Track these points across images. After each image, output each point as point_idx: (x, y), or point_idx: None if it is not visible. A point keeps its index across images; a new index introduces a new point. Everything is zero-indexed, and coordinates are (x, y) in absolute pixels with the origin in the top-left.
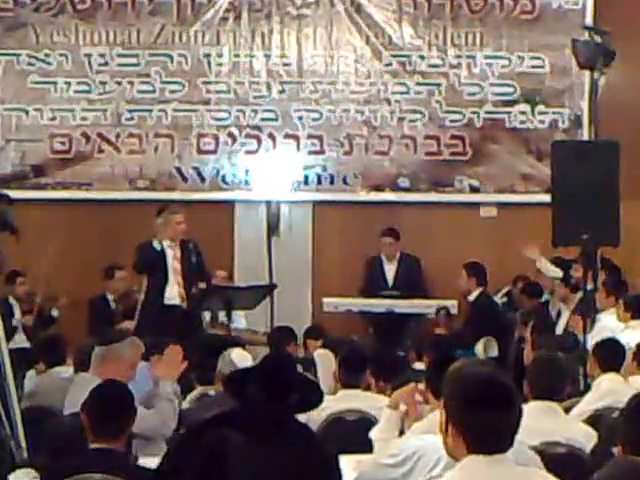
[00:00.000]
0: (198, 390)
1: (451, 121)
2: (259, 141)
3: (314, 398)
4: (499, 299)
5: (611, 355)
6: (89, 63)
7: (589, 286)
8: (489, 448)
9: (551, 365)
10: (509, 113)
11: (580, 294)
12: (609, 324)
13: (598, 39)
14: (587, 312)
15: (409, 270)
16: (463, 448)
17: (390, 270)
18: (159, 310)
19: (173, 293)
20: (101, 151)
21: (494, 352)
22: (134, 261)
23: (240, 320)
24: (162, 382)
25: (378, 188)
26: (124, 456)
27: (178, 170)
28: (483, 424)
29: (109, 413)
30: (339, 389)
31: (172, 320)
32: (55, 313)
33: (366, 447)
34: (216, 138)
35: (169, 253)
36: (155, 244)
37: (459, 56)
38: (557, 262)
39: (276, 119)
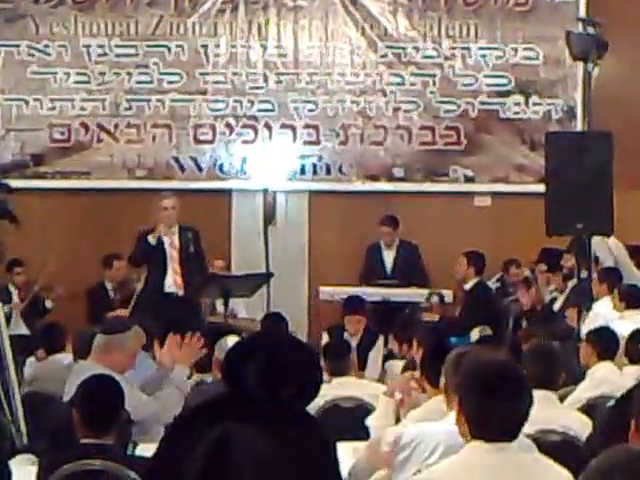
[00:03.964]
0: (195, 377)
1: (446, 112)
2: (256, 131)
3: (313, 384)
4: (492, 284)
5: (605, 344)
6: (88, 54)
7: (583, 274)
8: (494, 436)
9: (546, 354)
10: (503, 104)
11: (571, 283)
12: (602, 312)
13: (591, 31)
14: (581, 301)
15: (408, 257)
16: (468, 434)
17: (389, 257)
18: (157, 298)
19: (170, 281)
20: (100, 141)
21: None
22: (130, 255)
23: (240, 309)
24: (178, 367)
25: (373, 178)
26: (115, 449)
27: (176, 159)
28: (491, 412)
29: (98, 409)
30: (330, 380)
31: (169, 308)
32: (49, 304)
33: (363, 434)
34: (213, 128)
35: (167, 241)
36: (150, 239)
37: (454, 47)
38: (545, 253)
39: (273, 109)
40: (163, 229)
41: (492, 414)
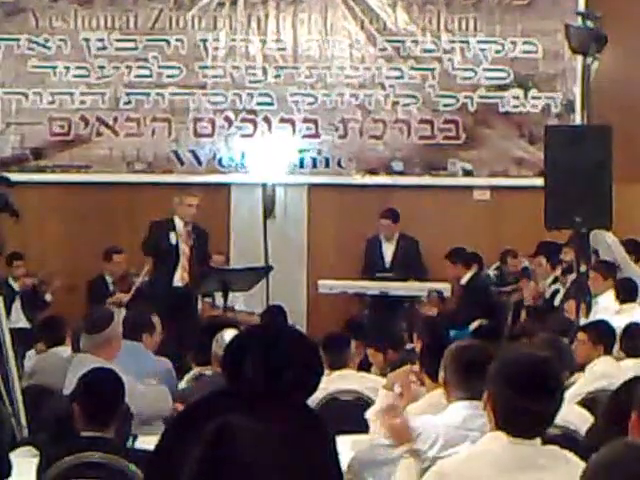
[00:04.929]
0: (195, 371)
1: (445, 105)
2: (255, 125)
3: (313, 376)
4: (491, 272)
5: (602, 337)
6: (88, 48)
7: (582, 268)
8: (520, 432)
9: (552, 347)
10: (502, 98)
11: (571, 277)
12: (609, 306)
13: (590, 24)
14: (581, 294)
15: (407, 251)
16: (493, 423)
17: (388, 250)
18: (164, 291)
19: (178, 276)
20: (99, 134)
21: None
22: (143, 241)
23: (239, 302)
24: None
25: (372, 171)
26: (115, 442)
27: (175, 153)
28: (522, 410)
29: (98, 402)
30: (330, 373)
31: (170, 301)
32: (48, 298)
33: (362, 427)
34: (212, 122)
35: (181, 236)
36: (177, 223)
37: (453, 41)
38: (543, 246)
39: (272, 103)
40: (180, 223)
41: (523, 412)
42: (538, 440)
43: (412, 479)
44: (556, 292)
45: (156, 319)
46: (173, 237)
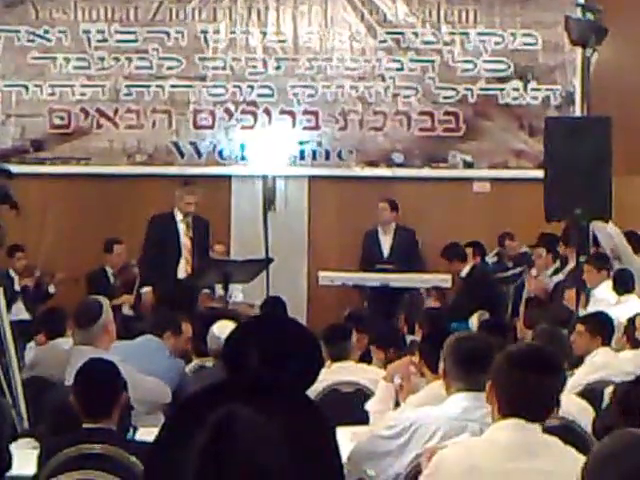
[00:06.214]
0: (195, 362)
1: (445, 97)
2: (255, 117)
3: (314, 368)
4: (490, 259)
5: (601, 329)
6: (88, 39)
7: (582, 259)
8: (523, 413)
9: (553, 338)
10: (502, 89)
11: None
12: (605, 298)
13: (590, 16)
14: (579, 285)
15: (405, 242)
16: (497, 413)
17: (386, 242)
18: (169, 284)
19: (181, 268)
20: (99, 126)
21: None
22: (145, 241)
23: (239, 294)
24: None
25: (373, 163)
26: (116, 433)
27: (175, 145)
28: (525, 387)
29: (95, 394)
30: (330, 365)
31: (175, 293)
32: (52, 289)
33: (362, 419)
34: (213, 114)
35: (182, 229)
36: (177, 213)
37: (452, 33)
38: (543, 238)
39: (272, 95)
40: (180, 216)
41: (528, 388)
42: (539, 428)
43: None
44: (559, 284)
45: (186, 325)
46: (174, 230)
